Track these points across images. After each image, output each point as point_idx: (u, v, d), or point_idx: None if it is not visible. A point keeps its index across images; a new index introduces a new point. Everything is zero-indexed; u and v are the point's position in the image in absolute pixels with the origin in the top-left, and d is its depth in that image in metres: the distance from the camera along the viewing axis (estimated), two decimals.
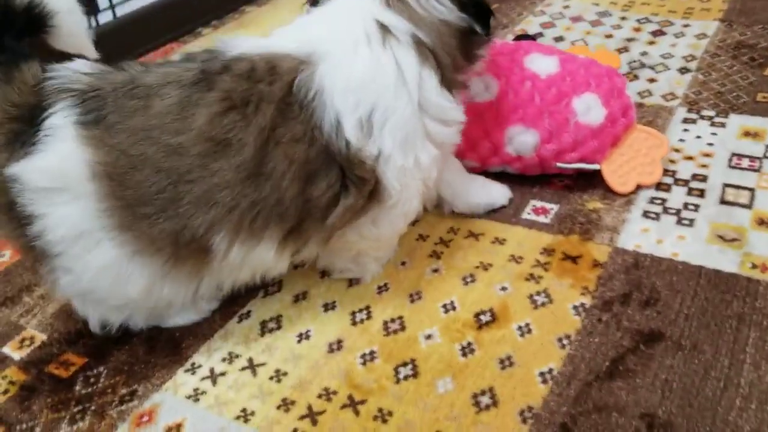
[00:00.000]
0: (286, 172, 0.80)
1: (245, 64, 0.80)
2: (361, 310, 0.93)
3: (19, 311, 1.00)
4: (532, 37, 1.27)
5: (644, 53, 1.50)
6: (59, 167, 0.77)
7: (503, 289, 0.94)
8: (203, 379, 0.86)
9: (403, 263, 1.01)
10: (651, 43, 1.54)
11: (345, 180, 0.83)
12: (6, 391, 0.87)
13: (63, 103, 0.78)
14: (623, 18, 1.67)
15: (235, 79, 0.79)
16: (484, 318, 0.90)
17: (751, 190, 1.06)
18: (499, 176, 1.15)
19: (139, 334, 0.93)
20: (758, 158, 1.13)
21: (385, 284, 0.97)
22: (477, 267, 0.98)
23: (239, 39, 0.86)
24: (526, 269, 0.96)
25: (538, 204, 1.09)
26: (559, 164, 1.09)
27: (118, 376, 0.88)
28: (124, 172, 0.77)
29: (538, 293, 0.92)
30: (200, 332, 0.93)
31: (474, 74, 1.11)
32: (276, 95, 0.79)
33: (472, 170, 1.15)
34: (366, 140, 0.82)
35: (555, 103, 1.08)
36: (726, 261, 0.94)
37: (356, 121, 0.81)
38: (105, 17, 1.79)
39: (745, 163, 1.12)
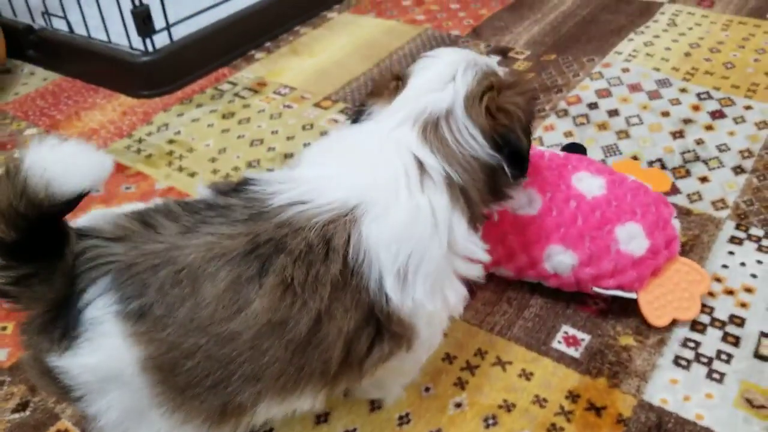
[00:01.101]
0: (337, 340, 0.79)
1: (299, 242, 0.77)
2: None
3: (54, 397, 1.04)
4: (582, 148, 1.24)
5: (700, 141, 1.46)
6: (108, 365, 0.74)
7: None
8: None
9: (427, 389, 1.02)
10: (708, 127, 1.50)
11: (381, 329, 0.83)
12: None
13: (99, 288, 0.74)
14: (683, 90, 1.62)
15: (292, 262, 0.76)
16: None
17: None
18: (535, 287, 1.15)
19: None
20: None
21: (407, 414, 0.99)
22: (500, 407, 0.99)
23: (278, 181, 0.83)
24: (549, 417, 0.97)
25: (570, 331, 1.09)
26: (595, 289, 1.08)
27: None
28: (175, 363, 0.75)
29: None
30: None
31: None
32: (334, 274, 0.78)
33: (506, 279, 1.16)
34: (402, 292, 0.81)
35: (597, 228, 1.07)
36: None
37: (395, 273, 0.80)
38: (161, 39, 1.79)
39: None
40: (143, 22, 1.78)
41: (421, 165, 0.83)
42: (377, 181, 0.82)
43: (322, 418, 0.99)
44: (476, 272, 0.90)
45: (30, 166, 0.66)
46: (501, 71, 0.95)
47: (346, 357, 0.82)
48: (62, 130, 1.67)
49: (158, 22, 1.78)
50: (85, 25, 1.86)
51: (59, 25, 1.94)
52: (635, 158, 1.42)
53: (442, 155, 0.85)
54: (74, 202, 0.71)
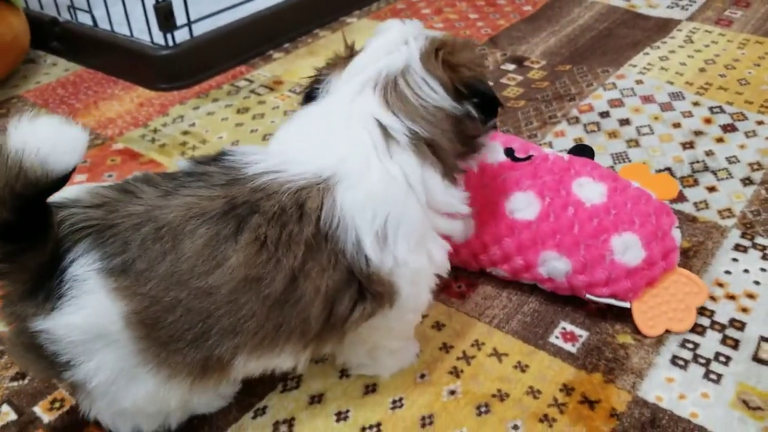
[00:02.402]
0: (314, 299, 0.82)
1: (273, 204, 0.80)
2: (371, 427, 0.95)
3: None
4: (589, 151, 1.24)
5: (710, 152, 1.46)
6: (93, 322, 0.76)
7: (515, 427, 0.94)
8: None
9: (422, 376, 1.02)
10: (719, 140, 1.50)
11: (362, 290, 0.86)
12: None
13: (81, 247, 0.76)
14: (696, 104, 1.62)
15: (265, 222, 0.79)
16: None
17: None
18: (532, 289, 1.15)
19: None
20: None
21: (400, 399, 0.99)
22: (494, 396, 0.99)
23: (253, 152, 0.86)
24: (542, 408, 0.97)
25: (568, 327, 1.09)
26: (589, 296, 1.08)
27: None
28: (157, 317, 0.77)
29: None
30: (216, 423, 0.97)
31: (518, 190, 1.11)
32: (307, 236, 0.81)
33: (503, 279, 1.16)
34: (382, 253, 0.84)
35: (593, 237, 1.06)
36: None
37: (374, 235, 0.83)
38: (181, 35, 1.83)
39: None
40: (165, 17, 1.81)
41: (386, 131, 0.86)
42: (347, 153, 0.85)
43: (315, 398, 1.00)
44: (458, 229, 0.93)
45: (22, 146, 0.68)
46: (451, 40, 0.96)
47: (327, 317, 0.84)
48: (80, 118, 1.70)
49: (180, 19, 1.81)
50: (109, 20, 1.90)
51: (84, 18, 1.98)
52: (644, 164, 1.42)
53: (404, 113, 0.87)
54: (67, 177, 0.73)
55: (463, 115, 0.90)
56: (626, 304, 1.08)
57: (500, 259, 1.12)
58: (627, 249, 1.06)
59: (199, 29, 1.86)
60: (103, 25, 1.92)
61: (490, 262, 1.14)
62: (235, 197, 0.80)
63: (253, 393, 1.01)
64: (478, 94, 0.91)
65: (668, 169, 1.42)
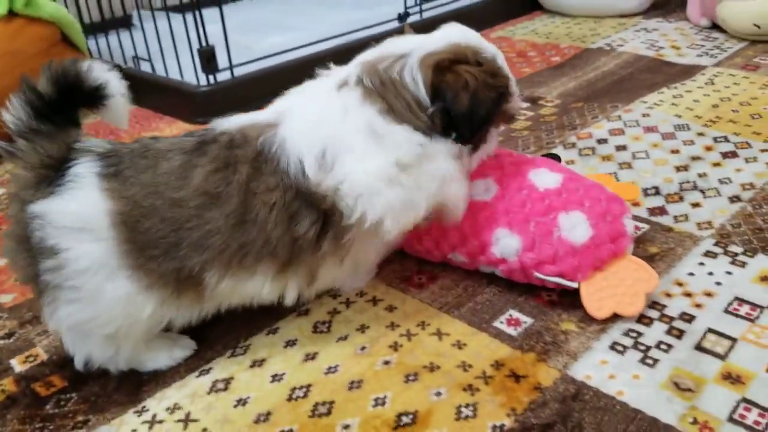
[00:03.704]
0: (269, 217, 0.95)
1: (227, 136, 0.97)
2: (302, 387, 1.00)
3: (38, 330, 1.16)
4: (557, 158, 1.28)
5: (703, 174, 1.46)
6: (84, 212, 0.92)
7: (438, 394, 0.97)
8: (144, 423, 0.96)
9: (363, 348, 1.06)
10: (716, 164, 1.49)
11: (326, 217, 0.98)
12: None
13: (86, 158, 0.95)
14: (700, 134, 1.62)
15: (219, 148, 0.96)
16: (404, 419, 0.93)
17: (733, 340, 1.01)
18: (491, 279, 1.18)
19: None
20: (760, 307, 1.07)
21: (336, 366, 1.03)
22: (425, 367, 1.02)
23: (230, 117, 1.03)
24: (468, 379, 0.99)
25: (515, 315, 1.11)
26: (537, 275, 1.10)
27: (83, 404, 1.00)
28: (137, 221, 0.93)
29: (467, 405, 0.95)
30: (162, 379, 1.04)
31: (480, 177, 1.16)
32: (248, 156, 0.96)
33: (461, 266, 1.19)
34: (324, 174, 0.95)
35: (543, 215, 1.10)
36: (669, 411, 0.91)
37: (314, 158, 0.96)
38: (223, 75, 2.01)
39: (744, 310, 1.07)
40: (207, 60, 2.00)
41: (343, 80, 1.01)
42: (303, 99, 1.03)
43: (257, 362, 1.05)
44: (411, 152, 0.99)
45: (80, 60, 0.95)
46: (493, 59, 1.06)
47: (293, 241, 0.96)
48: None
49: (224, 62, 2.00)
50: (164, 66, 2.11)
51: (145, 67, 2.20)
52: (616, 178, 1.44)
53: (368, 76, 1.00)
54: (97, 91, 0.96)
55: (433, 112, 1.00)
56: (574, 284, 1.09)
57: (458, 241, 1.16)
58: (574, 226, 1.09)
59: (240, 70, 2.03)
60: (160, 71, 2.14)
61: (450, 246, 1.18)
62: (205, 138, 0.99)
63: (202, 357, 1.08)
64: (444, 101, 1.00)
65: (655, 188, 1.42)
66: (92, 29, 2.38)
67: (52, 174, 0.94)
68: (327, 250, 1.00)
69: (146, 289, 0.95)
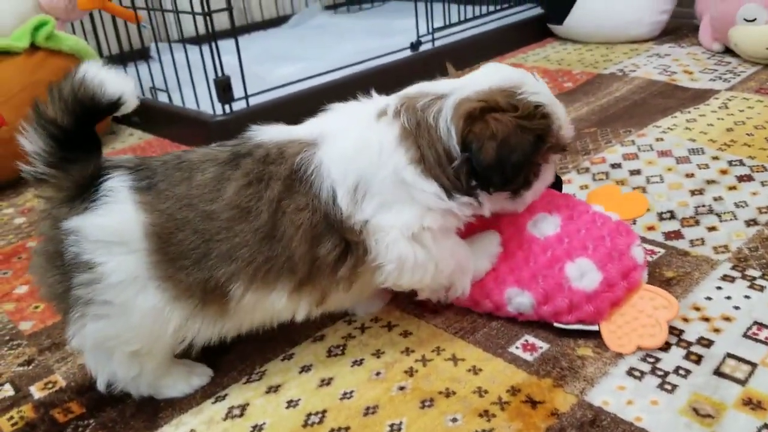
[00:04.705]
0: (294, 235, 0.97)
1: (263, 150, 1.00)
2: (317, 413, 1.00)
3: (56, 357, 1.17)
4: (557, 181, 1.26)
5: (719, 198, 1.45)
6: (119, 226, 0.94)
7: (453, 420, 0.96)
8: None
9: (378, 373, 1.06)
10: (732, 188, 1.49)
11: (347, 243, 0.99)
12: (15, 424, 1.03)
13: (118, 172, 0.97)
14: (715, 158, 1.62)
15: (254, 162, 0.98)
16: None
17: (754, 365, 1.00)
18: None
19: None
20: None
21: (352, 392, 1.03)
22: (440, 393, 1.01)
23: (267, 128, 1.05)
24: (484, 405, 0.98)
25: (531, 340, 1.10)
26: (557, 324, 1.09)
27: (100, 430, 1.01)
28: (170, 232, 0.94)
29: (483, 431, 0.94)
30: (179, 406, 1.04)
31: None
32: (282, 173, 0.97)
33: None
34: (354, 207, 0.97)
35: (548, 267, 1.09)
36: None
37: (346, 190, 0.97)
38: (239, 105, 2.03)
39: (764, 334, 1.06)
40: (223, 90, 2.02)
41: (383, 109, 1.02)
42: (344, 124, 1.03)
43: (273, 388, 1.05)
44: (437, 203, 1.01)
45: (86, 69, 0.91)
46: (531, 99, 1.03)
47: (313, 260, 0.98)
48: None
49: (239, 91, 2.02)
50: (181, 97, 2.14)
51: (162, 97, 2.24)
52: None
53: (407, 112, 1.01)
54: (114, 105, 0.94)
55: (460, 163, 1.00)
56: (595, 327, 1.08)
57: (471, 304, 1.16)
58: (583, 274, 1.08)
59: (255, 99, 2.05)
60: (176, 101, 2.17)
61: (465, 305, 1.18)
62: (240, 149, 1.01)
63: (218, 384, 1.08)
64: (469, 152, 0.99)
65: (670, 212, 1.42)
66: (111, 61, 2.42)
67: (84, 191, 0.96)
68: (343, 274, 1.00)
69: (173, 301, 0.96)
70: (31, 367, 1.16)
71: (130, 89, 0.95)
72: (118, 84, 0.93)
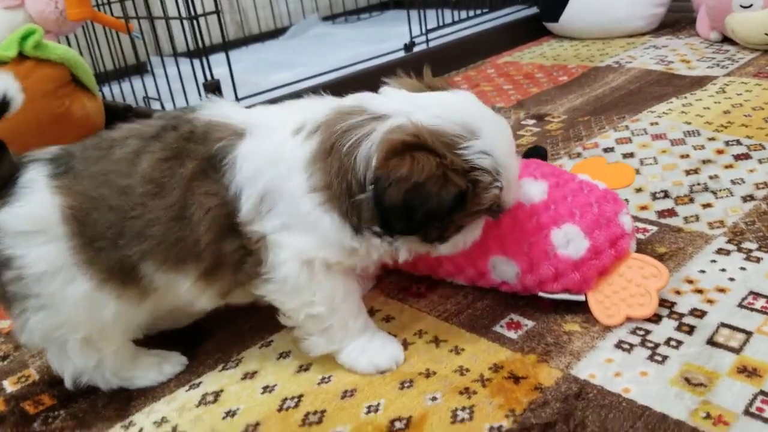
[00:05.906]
0: (202, 219, 0.90)
1: (189, 126, 0.93)
2: (293, 398, 0.96)
3: (32, 353, 1.14)
4: (543, 152, 1.23)
5: (714, 176, 1.41)
6: (35, 212, 0.90)
7: (433, 398, 0.92)
8: None
9: None
10: (728, 166, 1.44)
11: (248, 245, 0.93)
12: None
13: (36, 164, 0.94)
14: (711, 139, 1.58)
15: (176, 137, 0.92)
16: (398, 425, 0.88)
17: (749, 333, 0.95)
18: (490, 288, 1.13)
19: None
20: None
21: (329, 376, 0.99)
22: (420, 373, 0.97)
23: (214, 104, 0.98)
24: (465, 382, 0.94)
25: (515, 318, 1.06)
26: (541, 294, 1.05)
27: (70, 420, 0.98)
28: (87, 213, 0.90)
29: (464, 408, 0.90)
30: (152, 394, 1.01)
31: None
32: (200, 154, 0.91)
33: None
34: (257, 217, 0.90)
35: (534, 234, 1.05)
36: (679, 406, 0.85)
37: (252, 196, 0.90)
38: None
39: (760, 303, 1.01)
40: (212, 92, 2.01)
41: (302, 126, 0.92)
42: (277, 122, 0.94)
43: (248, 375, 1.02)
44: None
45: None
46: (472, 154, 0.87)
47: (218, 253, 0.91)
48: None
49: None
50: (174, 106, 2.13)
51: (155, 105, 2.23)
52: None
53: (324, 132, 0.89)
54: (1, 107, 0.92)
55: (365, 197, 0.88)
56: (581, 297, 1.04)
57: (454, 271, 1.13)
58: (569, 241, 1.04)
59: (246, 103, 2.04)
60: (168, 109, 2.16)
61: (447, 274, 1.15)
62: (168, 123, 0.94)
63: (193, 372, 1.05)
64: (373, 191, 0.86)
65: (664, 191, 1.37)
66: (106, 78, 2.44)
67: (2, 189, 0.92)
68: (242, 278, 0.95)
69: (102, 285, 0.92)
70: (5, 363, 1.13)
71: (13, 88, 0.96)
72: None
